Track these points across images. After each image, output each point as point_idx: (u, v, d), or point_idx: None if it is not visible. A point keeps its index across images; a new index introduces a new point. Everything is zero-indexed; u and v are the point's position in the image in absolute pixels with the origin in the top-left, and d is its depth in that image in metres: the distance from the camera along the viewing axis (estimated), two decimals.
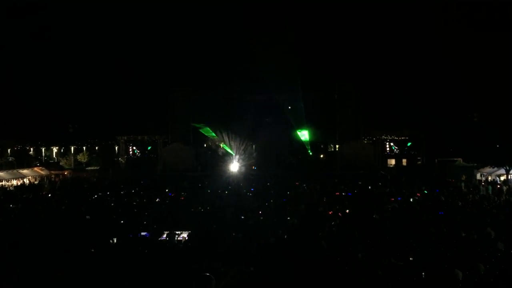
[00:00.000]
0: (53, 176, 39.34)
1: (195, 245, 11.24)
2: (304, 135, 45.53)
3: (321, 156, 51.47)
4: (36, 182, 34.69)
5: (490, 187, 24.96)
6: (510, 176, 28.43)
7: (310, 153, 48.17)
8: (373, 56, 44.01)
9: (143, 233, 12.74)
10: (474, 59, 43.67)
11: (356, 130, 40.69)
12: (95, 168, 45.21)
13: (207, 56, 43.03)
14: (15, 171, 35.84)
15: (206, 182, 29.14)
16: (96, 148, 58.88)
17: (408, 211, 16.51)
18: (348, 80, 41.07)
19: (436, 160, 41.15)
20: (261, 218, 15.41)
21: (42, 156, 56.73)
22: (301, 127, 44.52)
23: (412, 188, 23.41)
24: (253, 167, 40.57)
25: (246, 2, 42.43)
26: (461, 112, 42.09)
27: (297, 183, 26.95)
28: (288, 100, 41.83)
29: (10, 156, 47.29)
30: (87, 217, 15.80)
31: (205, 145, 49.85)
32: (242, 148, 42.93)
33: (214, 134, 45.35)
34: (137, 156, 49.40)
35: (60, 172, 42.06)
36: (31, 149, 56.15)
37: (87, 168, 46.01)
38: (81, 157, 52.92)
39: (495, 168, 30.10)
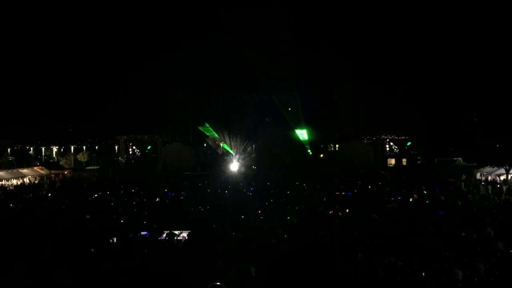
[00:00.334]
0: (53, 175, 39.32)
1: (195, 245, 11.24)
2: (303, 134, 45.50)
3: (321, 155, 51.41)
4: (36, 182, 34.67)
5: (490, 187, 24.96)
6: (510, 176, 28.42)
7: (310, 153, 48.14)
8: (373, 55, 44.05)
9: (143, 233, 12.75)
10: (474, 59, 43.72)
11: (356, 130, 40.63)
12: (95, 167, 45.14)
13: (207, 56, 43.05)
14: (15, 170, 35.80)
15: (206, 181, 29.15)
16: (96, 147, 58.86)
17: (407, 210, 16.52)
18: (347, 79, 41.03)
19: (436, 159, 41.11)
20: (261, 217, 15.42)
21: (42, 156, 56.68)
22: (300, 126, 44.47)
23: (412, 188, 23.41)
24: (253, 166, 40.53)
25: (246, 2, 42.47)
26: (461, 112, 42.04)
27: (297, 183, 26.95)
28: (287, 99, 41.80)
29: (10, 155, 47.24)
30: (87, 216, 15.81)
31: (205, 145, 49.82)
32: (242, 147, 42.89)
33: (215, 133, 45.33)
34: (137, 155, 49.34)
35: (60, 171, 42.00)
36: (31, 148, 56.13)
37: (87, 168, 45.94)
38: (81, 157, 52.86)
39: (495, 168, 30.09)
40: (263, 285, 8.34)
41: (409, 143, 45.39)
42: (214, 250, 10.20)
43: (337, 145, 43.83)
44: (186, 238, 12.24)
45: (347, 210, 16.64)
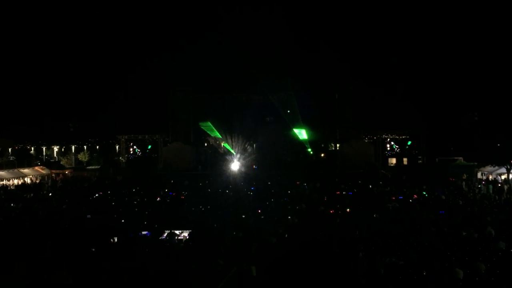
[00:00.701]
0: (53, 175, 39.35)
1: (195, 245, 11.24)
2: (304, 134, 45.50)
3: (322, 155, 51.44)
4: (37, 182, 34.69)
5: (490, 186, 24.93)
6: (511, 175, 28.37)
7: (311, 152, 48.14)
8: (374, 55, 44.03)
9: (143, 232, 12.75)
10: (474, 58, 43.68)
11: (356, 129, 40.59)
12: (96, 167, 45.18)
13: (208, 55, 43.05)
14: (16, 170, 35.80)
15: (206, 181, 29.15)
16: (97, 147, 58.97)
17: (408, 210, 16.50)
18: (348, 79, 41.00)
19: (436, 159, 41.08)
20: (262, 217, 15.42)
21: (43, 155, 56.81)
22: (301, 126, 44.47)
23: (413, 188, 23.38)
24: (254, 166, 40.53)
25: (247, 2, 42.46)
26: (462, 111, 42.01)
27: (297, 182, 26.94)
28: (288, 99, 41.79)
29: (11, 155, 47.28)
30: (88, 216, 15.82)
31: (205, 144, 49.83)
32: (242, 147, 42.87)
33: (217, 133, 45.34)
34: (138, 155, 49.40)
35: (61, 171, 42.04)
36: (32, 148, 56.24)
37: (87, 167, 46.00)
38: (82, 156, 52.94)
39: (496, 167, 30.04)
40: (264, 285, 8.33)
41: (409, 143, 45.38)
42: (215, 249, 10.20)
43: (337, 145, 43.82)
44: (187, 237, 12.24)
45: (348, 210, 16.64)
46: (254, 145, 46.77)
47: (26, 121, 51.22)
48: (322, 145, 53.35)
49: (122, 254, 10.48)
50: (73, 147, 54.04)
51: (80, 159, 52.50)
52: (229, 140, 43.61)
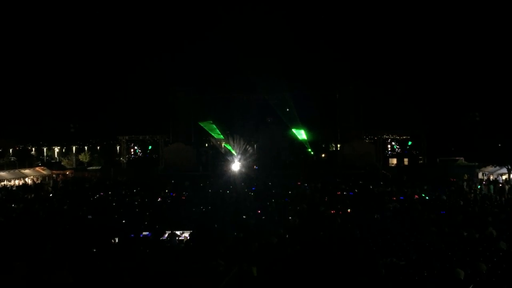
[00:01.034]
0: (54, 175, 39.39)
1: (196, 245, 11.24)
2: (305, 134, 45.50)
3: (322, 155, 51.42)
4: (38, 182, 34.72)
5: (491, 186, 24.92)
6: None
7: (312, 153, 48.14)
8: (374, 54, 44.02)
9: (144, 233, 12.75)
10: (475, 58, 43.65)
11: (357, 130, 40.55)
12: (97, 168, 45.20)
13: (209, 56, 43.02)
14: (16, 171, 35.85)
15: (207, 181, 29.15)
16: (98, 148, 59.01)
17: (409, 210, 16.49)
18: (349, 79, 40.99)
19: (437, 159, 41.04)
20: (263, 217, 15.42)
21: (44, 156, 56.89)
22: (302, 126, 44.46)
23: (414, 188, 23.36)
24: (255, 166, 40.53)
25: (248, 2, 42.47)
26: (463, 111, 41.99)
27: (298, 183, 26.93)
28: (289, 99, 41.79)
29: (12, 156, 47.35)
30: (89, 216, 15.83)
31: (206, 145, 49.85)
32: (243, 147, 42.88)
33: (219, 132, 45.36)
34: (139, 156, 49.42)
35: (62, 172, 42.08)
36: (33, 149, 56.30)
37: (88, 168, 46.02)
38: (83, 157, 53.01)
39: (497, 167, 30.04)
40: (265, 285, 8.33)
41: (410, 143, 45.35)
42: (216, 250, 10.20)
43: (338, 145, 43.80)
44: (188, 238, 12.24)
45: (349, 210, 16.64)
46: (255, 145, 46.77)
47: (27, 122, 51.26)
48: (323, 145, 53.32)
49: (123, 254, 10.48)
50: (74, 148, 54.14)
51: (81, 159, 52.57)
52: (230, 141, 43.64)
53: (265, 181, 28.00)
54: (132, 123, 45.92)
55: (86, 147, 55.81)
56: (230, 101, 42.55)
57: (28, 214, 17.08)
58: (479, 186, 26.10)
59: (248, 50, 40.37)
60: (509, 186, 25.01)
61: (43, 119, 52.45)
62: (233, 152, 42.85)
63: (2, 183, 32.12)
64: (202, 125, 44.31)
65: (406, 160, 43.95)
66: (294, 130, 44.97)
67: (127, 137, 44.83)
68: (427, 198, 20.41)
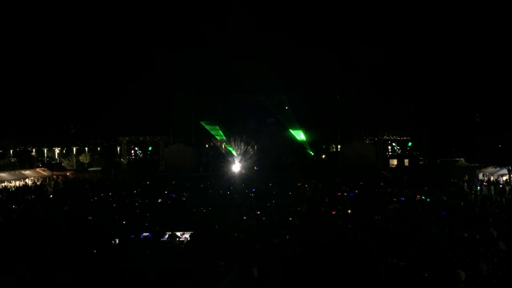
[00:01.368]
0: (55, 176, 39.38)
1: (197, 246, 11.24)
2: (305, 135, 45.51)
3: (323, 156, 51.44)
4: (38, 183, 34.72)
5: (492, 187, 24.91)
6: None
7: (312, 154, 48.16)
8: (375, 55, 44.00)
9: (145, 234, 12.75)
10: (476, 59, 43.64)
11: (357, 131, 40.57)
12: (97, 169, 45.19)
13: (210, 56, 43.06)
14: (17, 172, 35.84)
15: (208, 182, 29.13)
16: (98, 149, 58.97)
17: (410, 211, 16.49)
18: (349, 80, 41.03)
19: (438, 160, 41.01)
20: (263, 218, 15.41)
21: (44, 157, 56.87)
22: (302, 127, 44.49)
23: (414, 188, 23.35)
24: (255, 167, 40.55)
25: (249, 3, 42.50)
26: (463, 112, 41.99)
27: (299, 184, 26.92)
28: (289, 100, 41.83)
29: (12, 157, 47.37)
30: (89, 217, 15.82)
31: (206, 146, 49.87)
32: (244, 148, 42.91)
33: (222, 134, 45.38)
34: (139, 156, 49.36)
35: (62, 173, 42.07)
36: (33, 150, 56.29)
37: (89, 169, 46.00)
38: (83, 158, 52.96)
39: (498, 168, 30.03)
40: (266, 286, 8.33)
41: (410, 144, 45.31)
42: (217, 250, 10.20)
43: (339, 146, 43.81)
44: (188, 239, 12.24)
45: (349, 211, 16.63)
46: (256, 146, 46.80)
47: (27, 123, 51.26)
48: (323, 146, 53.36)
49: (123, 255, 10.48)
50: (74, 149, 54.08)
51: (81, 160, 52.52)
52: (231, 141, 43.67)
53: (265, 182, 27.99)
54: (132, 124, 45.94)
55: (86, 148, 55.77)
56: (230, 102, 42.57)
57: (28, 215, 17.07)
58: (479, 187, 26.07)
59: (248, 51, 40.39)
60: (510, 187, 24.99)
61: (44, 120, 52.48)
62: (234, 153, 42.87)
63: (3, 184, 32.12)
64: (204, 125, 44.33)
65: (406, 161, 43.93)
66: (294, 131, 44.99)
67: (127, 138, 44.84)
68: (428, 200, 20.40)
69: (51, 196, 25.37)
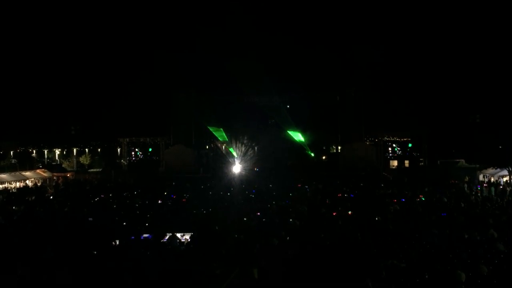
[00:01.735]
0: (55, 178, 39.39)
1: (197, 247, 11.24)
2: (306, 136, 45.51)
3: (323, 157, 51.44)
4: (38, 184, 34.72)
5: (492, 188, 24.88)
6: None
7: (312, 155, 48.15)
8: (375, 56, 44.02)
9: (145, 235, 12.75)
10: (477, 60, 43.66)
11: (358, 132, 40.57)
12: (97, 170, 45.23)
13: (210, 57, 43.07)
14: (17, 173, 35.84)
15: (208, 183, 29.13)
16: (99, 150, 59.03)
17: (410, 212, 16.48)
18: (349, 81, 41.03)
19: (438, 161, 41.00)
20: (263, 219, 15.40)
21: (45, 158, 56.94)
22: (303, 128, 44.49)
23: (415, 190, 23.33)
24: (256, 168, 40.55)
25: (250, 5, 42.55)
26: (463, 113, 41.99)
27: (299, 185, 26.92)
28: (290, 102, 41.84)
29: (13, 158, 47.40)
30: (90, 218, 15.82)
31: (207, 147, 49.87)
32: (244, 149, 42.91)
33: (225, 135, 45.39)
34: (139, 158, 49.42)
35: (63, 174, 42.07)
36: (34, 151, 56.37)
37: (89, 170, 46.04)
38: (84, 159, 53.01)
39: (498, 169, 30.01)
40: (266, 287, 8.32)
41: (410, 145, 45.32)
42: (217, 252, 10.20)
43: (339, 147, 43.81)
44: (189, 240, 12.24)
45: (350, 212, 16.62)
46: (256, 147, 46.80)
47: (28, 124, 51.34)
48: (324, 148, 53.38)
49: (124, 256, 10.47)
50: (74, 150, 54.16)
51: (81, 162, 52.57)
52: (231, 143, 43.67)
53: (265, 183, 28.00)
54: (132, 125, 45.98)
55: (87, 149, 55.88)
56: (231, 103, 42.59)
57: (29, 216, 17.07)
58: (479, 188, 26.05)
59: (249, 52, 40.39)
60: (510, 188, 24.96)
61: (44, 122, 52.56)
62: (234, 154, 42.86)
63: (3, 185, 32.12)
64: (208, 128, 44.33)
65: (407, 162, 43.94)
66: (294, 132, 44.98)
67: (127, 139, 44.86)
68: (428, 201, 20.38)
69: (51, 197, 25.35)
